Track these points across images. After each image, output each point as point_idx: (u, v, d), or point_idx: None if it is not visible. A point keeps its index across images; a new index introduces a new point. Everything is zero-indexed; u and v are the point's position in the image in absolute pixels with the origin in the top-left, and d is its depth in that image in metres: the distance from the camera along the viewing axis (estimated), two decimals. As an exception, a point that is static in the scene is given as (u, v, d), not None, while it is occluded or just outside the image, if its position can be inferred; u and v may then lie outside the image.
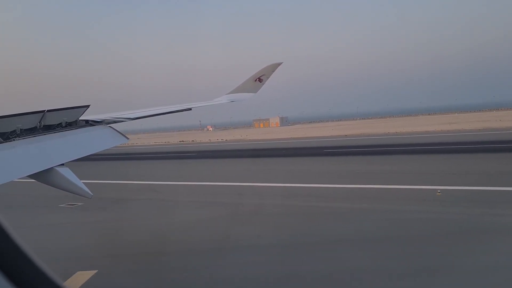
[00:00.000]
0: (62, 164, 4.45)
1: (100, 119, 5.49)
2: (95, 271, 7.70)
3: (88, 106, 5.14)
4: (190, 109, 6.79)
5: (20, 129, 4.28)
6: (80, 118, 5.16)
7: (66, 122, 4.92)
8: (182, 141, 61.22)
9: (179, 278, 7.61)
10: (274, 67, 7.91)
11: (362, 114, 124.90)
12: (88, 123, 5.31)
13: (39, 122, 4.54)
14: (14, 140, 4.13)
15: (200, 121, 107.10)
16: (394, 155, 25.63)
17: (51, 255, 9.10)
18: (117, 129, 5.53)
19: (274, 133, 69.97)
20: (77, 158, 4.79)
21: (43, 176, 4.27)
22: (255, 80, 7.80)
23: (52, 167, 4.25)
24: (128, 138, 5.58)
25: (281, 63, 7.95)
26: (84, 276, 7.42)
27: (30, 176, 4.18)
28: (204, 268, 8.04)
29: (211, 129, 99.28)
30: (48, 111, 4.64)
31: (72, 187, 4.37)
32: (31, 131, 4.47)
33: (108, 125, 5.50)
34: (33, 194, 18.01)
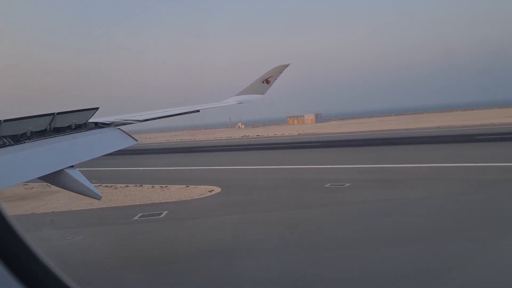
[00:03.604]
0: (72, 166, 4.64)
1: (109, 121, 5.68)
2: None
3: (97, 109, 5.33)
4: (198, 110, 6.92)
5: (31, 131, 4.47)
6: (89, 121, 5.36)
7: (75, 124, 5.12)
8: (245, 136, 58.90)
9: None
10: (282, 68, 7.89)
11: (396, 110, 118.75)
12: (98, 125, 5.50)
13: (49, 125, 4.73)
14: (24, 142, 4.33)
15: (230, 118, 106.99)
16: None
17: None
18: (126, 131, 5.70)
19: (327, 128, 62.91)
20: (87, 160, 4.98)
21: (53, 178, 4.46)
22: (263, 82, 7.83)
23: (62, 169, 4.44)
24: (136, 140, 5.75)
25: (289, 64, 7.93)
26: None
27: (40, 178, 4.38)
28: None
29: (242, 126, 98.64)
30: (58, 113, 4.83)
31: (82, 188, 4.54)
32: (42, 133, 4.67)
33: (117, 127, 5.69)
34: (269, 177, 18.86)
